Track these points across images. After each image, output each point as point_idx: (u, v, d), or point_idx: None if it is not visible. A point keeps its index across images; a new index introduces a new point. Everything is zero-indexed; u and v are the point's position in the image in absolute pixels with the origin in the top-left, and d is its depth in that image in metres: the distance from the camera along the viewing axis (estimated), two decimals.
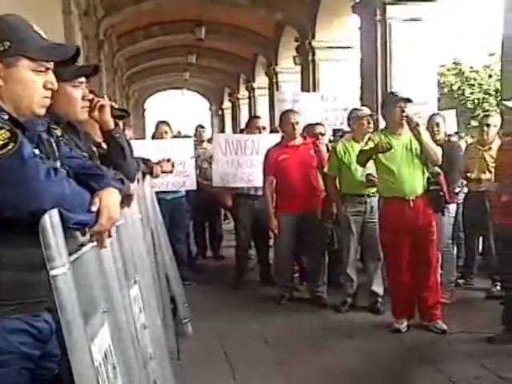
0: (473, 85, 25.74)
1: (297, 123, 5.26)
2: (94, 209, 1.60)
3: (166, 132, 6.17)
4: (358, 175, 4.94)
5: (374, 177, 4.72)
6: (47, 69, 1.64)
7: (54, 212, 1.42)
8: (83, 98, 2.36)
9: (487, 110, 19.40)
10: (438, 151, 4.45)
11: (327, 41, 11.03)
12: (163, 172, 4.98)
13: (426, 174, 4.48)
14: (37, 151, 1.59)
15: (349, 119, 5.42)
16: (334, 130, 6.60)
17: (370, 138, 4.65)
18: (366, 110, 5.26)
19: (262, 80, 16.75)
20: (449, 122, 6.06)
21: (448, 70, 26.39)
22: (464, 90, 25.78)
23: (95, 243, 1.70)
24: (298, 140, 5.32)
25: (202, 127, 7.83)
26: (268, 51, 14.92)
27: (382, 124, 5.04)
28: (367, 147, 4.51)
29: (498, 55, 6.83)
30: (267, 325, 4.75)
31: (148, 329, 2.46)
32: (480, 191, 5.12)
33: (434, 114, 5.64)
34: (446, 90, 25.43)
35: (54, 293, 1.40)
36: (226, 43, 16.20)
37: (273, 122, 9.33)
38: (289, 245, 5.37)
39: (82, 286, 1.54)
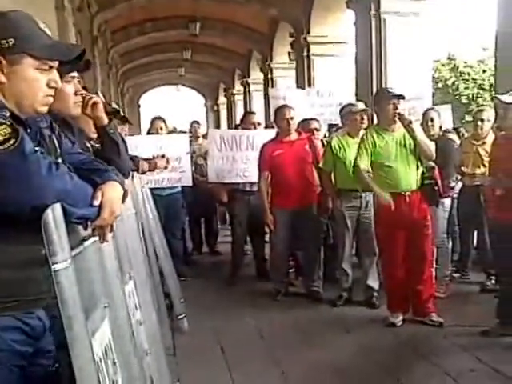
0: (467, 80, 25.79)
1: (292, 119, 5.25)
2: (96, 203, 1.59)
3: (161, 128, 6.16)
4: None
5: (369, 171, 4.72)
6: (51, 67, 1.62)
7: (57, 206, 1.41)
8: (76, 93, 2.35)
9: (481, 105, 19.44)
10: (432, 146, 4.46)
11: (322, 36, 11.01)
12: (158, 168, 4.98)
13: (421, 169, 4.50)
14: (38, 148, 1.58)
15: (341, 115, 5.43)
16: (330, 125, 6.59)
17: (364, 135, 4.65)
18: (360, 105, 5.27)
19: (256, 75, 16.72)
20: (444, 117, 6.07)
21: (442, 65, 26.43)
22: (458, 85, 25.82)
23: (96, 238, 1.70)
24: (293, 135, 5.32)
25: (197, 123, 7.81)
26: (263, 47, 14.89)
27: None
28: (373, 185, 4.47)
29: (492, 50, 6.84)
30: (263, 320, 4.76)
31: (143, 325, 2.46)
32: (474, 185, 5.13)
33: (428, 109, 5.64)
34: (440, 84, 25.47)
35: (55, 287, 1.40)
36: (220, 39, 16.17)
37: (268, 117, 9.33)
38: (284, 240, 5.37)
39: (83, 281, 1.54)
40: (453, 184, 5.46)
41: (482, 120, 5.28)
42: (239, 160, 6.03)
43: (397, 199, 4.39)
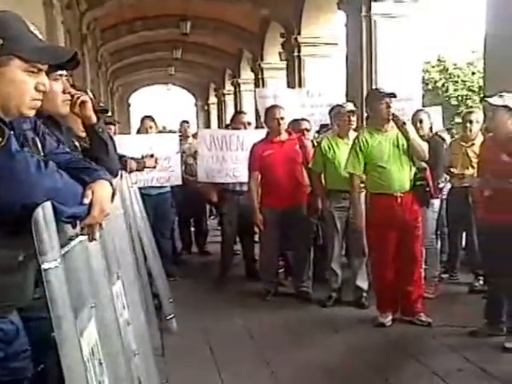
0: (456, 82, 25.94)
1: (282, 119, 5.25)
2: (86, 201, 1.58)
3: (151, 127, 6.15)
4: (342, 171, 4.94)
5: (361, 178, 4.72)
6: (40, 70, 1.59)
7: (47, 205, 1.40)
8: (64, 92, 2.33)
9: (470, 107, 19.57)
10: (425, 147, 4.48)
11: (313, 37, 11.02)
12: (146, 167, 4.96)
13: (413, 170, 4.51)
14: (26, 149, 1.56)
15: (331, 115, 5.44)
16: (321, 126, 6.59)
17: (356, 137, 4.65)
18: (350, 106, 5.25)
19: (247, 75, 16.71)
20: (434, 119, 6.09)
21: (432, 66, 26.57)
22: (448, 86, 25.97)
23: (83, 237, 1.68)
24: (284, 136, 5.32)
25: (187, 122, 7.80)
26: (253, 46, 14.88)
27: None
28: (357, 205, 4.60)
29: (481, 52, 6.88)
30: (252, 320, 4.75)
31: (131, 325, 2.44)
32: (463, 187, 5.16)
33: (418, 110, 5.67)
34: (430, 86, 25.60)
35: (45, 286, 1.39)
36: (211, 38, 16.13)
37: (258, 117, 9.33)
38: (274, 240, 5.37)
39: (71, 281, 1.52)
40: (441, 185, 5.49)
41: (471, 122, 5.31)
42: (229, 160, 6.02)
43: (389, 200, 4.40)
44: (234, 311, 4.98)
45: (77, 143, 2.68)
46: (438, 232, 5.84)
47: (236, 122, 6.33)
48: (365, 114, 6.35)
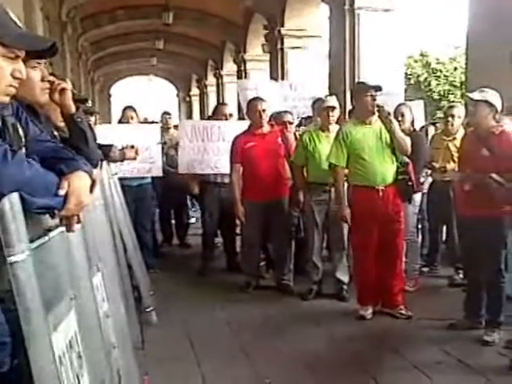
0: (439, 76, 26.10)
1: (264, 111, 5.22)
2: (61, 192, 1.53)
3: (132, 117, 6.10)
4: (323, 164, 4.93)
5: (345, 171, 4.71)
6: (17, 56, 1.55)
7: (14, 196, 1.35)
8: (43, 80, 2.27)
9: (452, 102, 19.73)
10: (408, 141, 4.49)
11: (296, 29, 11.00)
12: (126, 159, 4.90)
13: (396, 164, 4.52)
14: None
15: (314, 108, 5.42)
16: (304, 118, 6.56)
17: (339, 129, 4.64)
18: (332, 100, 5.20)
19: (230, 67, 16.63)
20: (416, 113, 6.12)
21: (415, 61, 26.68)
22: (430, 81, 26.13)
23: (64, 228, 1.64)
24: (266, 128, 5.29)
25: (168, 114, 7.73)
26: (237, 38, 14.80)
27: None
28: (342, 198, 4.58)
29: (463, 48, 6.95)
30: (233, 313, 4.74)
31: (111, 317, 2.41)
32: (444, 181, 5.19)
33: (400, 104, 5.67)
34: (412, 81, 25.73)
35: (11, 280, 1.34)
36: (193, 29, 16.01)
37: (241, 109, 9.30)
38: (255, 233, 5.35)
39: (47, 272, 1.48)
40: (423, 179, 5.52)
41: (453, 116, 5.34)
42: (210, 151, 5.98)
43: (371, 193, 4.41)
44: (214, 304, 4.95)
45: (56, 133, 2.62)
46: (419, 226, 5.88)
47: (218, 114, 6.28)
48: (348, 107, 6.36)
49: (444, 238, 5.84)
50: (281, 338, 4.17)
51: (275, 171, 5.24)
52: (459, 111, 5.35)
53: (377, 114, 4.44)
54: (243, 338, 4.18)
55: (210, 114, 10.22)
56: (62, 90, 2.49)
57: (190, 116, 24.77)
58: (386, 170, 4.47)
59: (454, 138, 5.25)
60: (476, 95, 3.98)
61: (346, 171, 4.63)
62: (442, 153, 5.33)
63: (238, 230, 6.15)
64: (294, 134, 5.66)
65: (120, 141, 5.07)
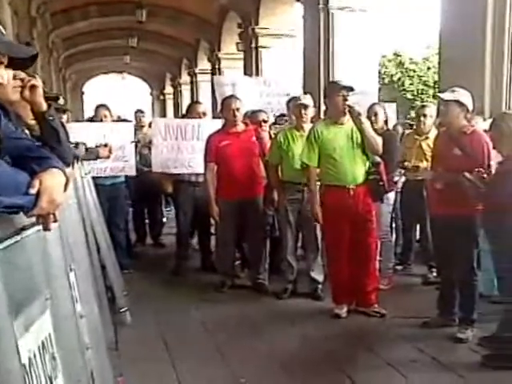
0: (412, 76, 26.39)
1: (238, 110, 5.19)
2: (32, 191, 1.49)
3: (105, 116, 6.01)
4: (297, 163, 4.92)
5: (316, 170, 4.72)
6: (0, 63, 1.53)
7: None
8: (14, 77, 2.21)
9: (425, 101, 19.98)
10: (379, 140, 4.52)
11: (270, 28, 11.01)
12: (99, 157, 4.84)
13: (367, 164, 4.54)
14: None
15: (288, 106, 5.42)
16: (278, 116, 6.56)
17: (311, 128, 4.65)
18: (307, 98, 5.20)
19: (204, 65, 16.56)
20: (389, 114, 6.16)
21: (389, 60, 26.93)
22: (404, 81, 26.40)
23: (39, 226, 1.60)
24: (240, 127, 5.27)
25: (142, 112, 7.66)
26: (211, 36, 14.75)
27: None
28: (314, 198, 4.59)
29: (436, 48, 7.04)
30: (208, 312, 4.71)
31: (84, 318, 2.37)
32: (418, 180, 5.23)
33: (373, 104, 5.71)
34: (386, 80, 25.97)
35: None
36: (167, 27, 15.90)
37: (215, 107, 9.26)
38: (230, 232, 5.33)
39: (19, 273, 1.44)
40: (396, 178, 5.56)
41: (425, 115, 5.40)
42: (184, 150, 5.93)
43: (341, 192, 4.43)
44: (189, 304, 4.92)
45: (27, 131, 2.56)
46: (393, 224, 5.93)
47: (192, 112, 6.23)
48: (322, 107, 6.37)
49: (418, 236, 5.90)
50: (256, 338, 4.17)
51: (250, 170, 5.23)
52: (431, 111, 5.43)
53: (348, 114, 4.47)
54: (218, 338, 4.15)
55: (184, 112, 10.16)
56: (33, 87, 2.43)
57: (163, 114, 24.60)
58: (356, 169, 4.49)
59: (427, 138, 5.31)
60: (447, 95, 4.02)
61: (318, 171, 4.65)
62: (414, 152, 5.38)
63: (212, 230, 6.12)
64: (269, 133, 5.66)
65: (93, 139, 5.00)
